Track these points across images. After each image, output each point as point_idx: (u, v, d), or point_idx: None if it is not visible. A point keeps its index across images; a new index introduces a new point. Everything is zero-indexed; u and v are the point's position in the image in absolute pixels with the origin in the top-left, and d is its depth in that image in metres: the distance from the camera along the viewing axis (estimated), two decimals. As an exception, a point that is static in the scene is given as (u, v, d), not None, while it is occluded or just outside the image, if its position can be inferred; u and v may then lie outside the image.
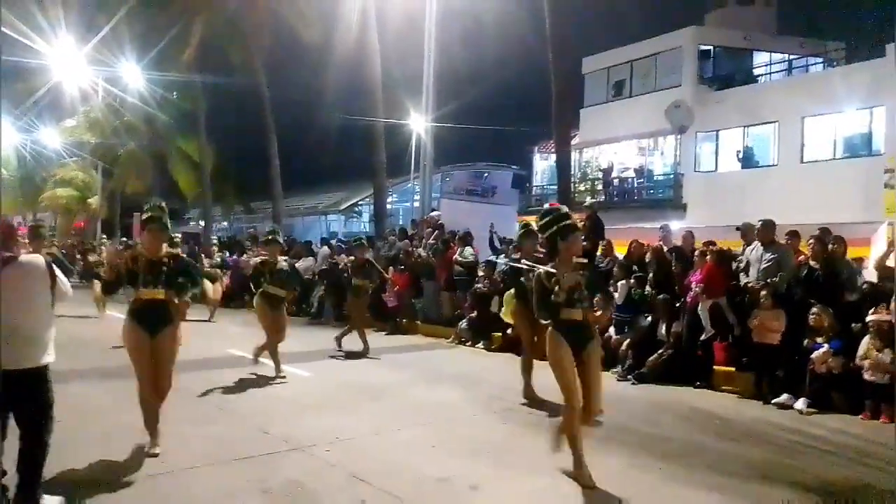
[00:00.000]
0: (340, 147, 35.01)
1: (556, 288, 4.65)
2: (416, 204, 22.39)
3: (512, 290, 7.46)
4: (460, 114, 23.39)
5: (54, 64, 22.75)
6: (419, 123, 20.09)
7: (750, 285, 8.11)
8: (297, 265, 15.75)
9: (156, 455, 4.92)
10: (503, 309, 7.82)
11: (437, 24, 17.13)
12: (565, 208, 5.14)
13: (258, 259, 8.92)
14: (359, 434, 5.77)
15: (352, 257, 11.09)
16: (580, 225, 8.15)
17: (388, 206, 23.70)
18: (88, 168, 33.04)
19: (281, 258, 8.57)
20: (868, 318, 6.89)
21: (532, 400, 7.07)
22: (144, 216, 5.34)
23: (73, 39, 22.05)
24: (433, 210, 16.91)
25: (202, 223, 26.07)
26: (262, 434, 5.69)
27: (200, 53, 22.97)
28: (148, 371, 5.07)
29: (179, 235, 19.68)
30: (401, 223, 24.90)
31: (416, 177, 23.77)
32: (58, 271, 4.08)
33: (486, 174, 35.61)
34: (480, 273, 11.94)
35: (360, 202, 33.79)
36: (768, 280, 7.85)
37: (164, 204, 5.50)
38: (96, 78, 25.59)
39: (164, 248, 5.32)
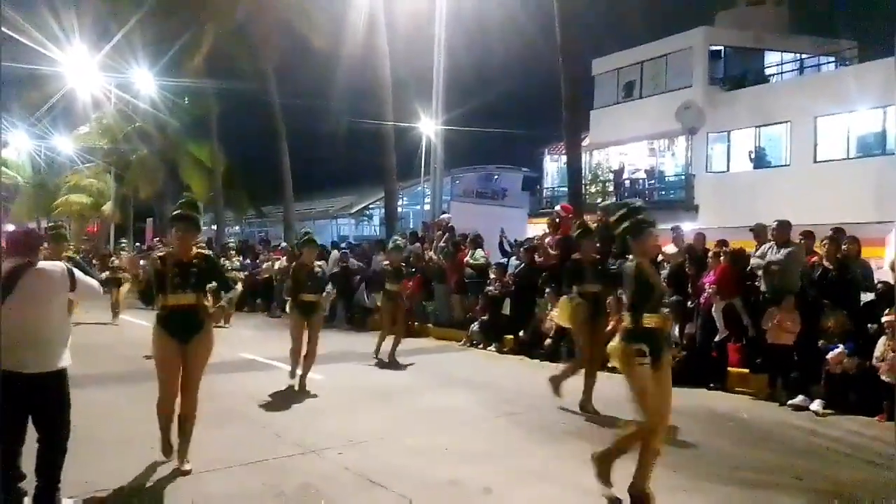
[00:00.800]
0: (351, 151, 35.15)
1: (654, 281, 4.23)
2: (427, 207, 22.41)
3: (574, 292, 7.06)
4: (470, 116, 23.45)
5: (68, 71, 22.98)
6: (429, 126, 20.11)
7: (761, 287, 8.07)
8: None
9: (188, 472, 4.67)
10: (558, 312, 7.44)
11: (446, 26, 17.15)
12: (640, 202, 4.75)
13: (285, 263, 8.69)
14: (371, 437, 5.78)
15: (387, 261, 10.43)
16: (593, 227, 8.18)
17: (399, 210, 23.76)
18: (101, 174, 33.34)
19: (316, 262, 8.14)
20: (884, 319, 6.83)
21: (589, 410, 6.76)
22: (173, 213, 5.01)
23: (86, 47, 22.26)
24: (443, 213, 16.92)
25: (214, 227, 26.21)
26: (276, 437, 5.71)
27: (211, 59, 23.12)
28: (173, 385, 4.75)
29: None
30: (411, 226, 24.95)
31: (426, 180, 23.79)
32: (78, 273, 4.12)
33: (496, 176, 35.70)
34: (492, 275, 11.94)
35: (370, 205, 33.89)
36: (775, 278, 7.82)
37: (196, 201, 5.20)
38: (108, 84, 25.82)
39: (194, 249, 4.99)
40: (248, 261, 17.87)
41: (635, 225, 4.37)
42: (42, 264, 3.98)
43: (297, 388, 7.58)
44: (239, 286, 14.25)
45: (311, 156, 35.01)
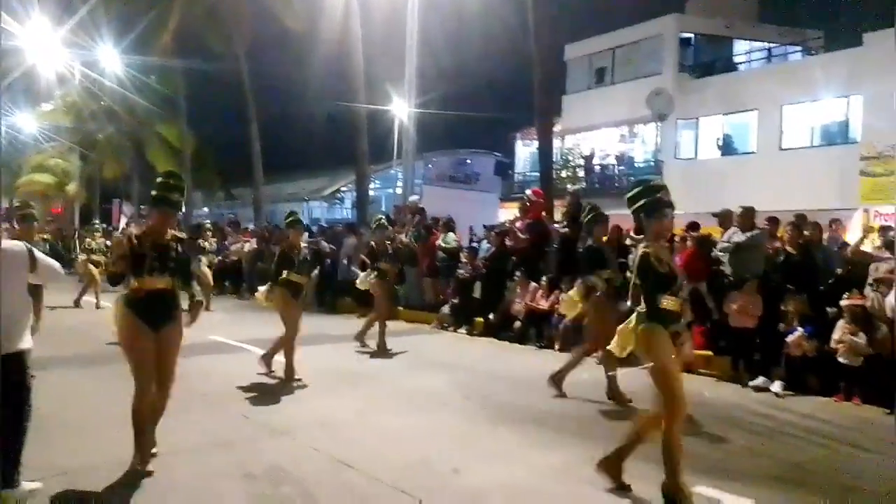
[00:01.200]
0: (323, 133, 34.88)
1: (667, 272, 4.02)
2: (400, 190, 22.35)
3: (588, 281, 6.76)
4: (443, 100, 23.34)
5: (28, 46, 22.30)
6: (402, 110, 20.01)
7: (726, 272, 8.24)
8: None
9: (149, 473, 4.31)
10: (567, 300, 7.11)
11: (419, 10, 17.04)
12: (659, 180, 4.42)
13: (254, 246, 8.45)
14: (342, 419, 5.80)
15: (372, 241, 9.98)
16: (563, 211, 8.23)
17: (371, 193, 23.69)
18: (66, 153, 32.57)
19: (302, 243, 7.84)
20: (842, 303, 7.04)
21: (619, 398, 6.57)
22: (153, 192, 4.62)
23: (48, 21, 21.61)
24: (414, 195, 16.91)
25: (183, 209, 25.87)
26: (245, 420, 5.70)
27: (181, 38, 22.68)
28: (150, 377, 4.39)
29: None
30: (384, 209, 24.87)
31: (399, 163, 23.72)
32: (39, 254, 4.07)
33: (468, 161, 35.72)
34: (463, 259, 11.99)
35: (342, 188, 33.68)
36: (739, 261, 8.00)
37: (180, 177, 4.80)
38: (73, 61, 25.15)
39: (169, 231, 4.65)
40: (216, 243, 17.66)
41: (651, 204, 4.11)
42: (5, 244, 3.91)
43: (283, 375, 7.18)
44: (208, 272, 14.15)
45: (283, 138, 34.69)
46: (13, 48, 21.87)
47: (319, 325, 11.33)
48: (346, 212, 33.76)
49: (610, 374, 6.60)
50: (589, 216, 7.10)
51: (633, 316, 4.16)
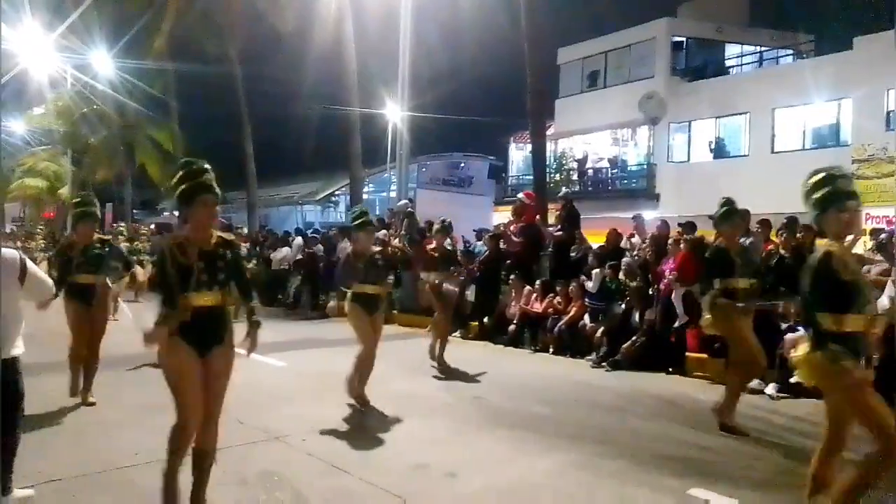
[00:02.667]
0: (316, 137, 34.77)
1: (850, 278, 3.29)
2: (393, 194, 22.35)
3: (720, 292, 5.69)
4: (437, 104, 23.41)
5: (19, 50, 22.18)
6: (395, 113, 20.02)
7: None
8: (274, 256, 15.71)
9: None
10: (706, 317, 5.89)
11: (412, 14, 17.06)
12: (839, 168, 3.65)
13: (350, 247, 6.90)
14: (336, 423, 5.77)
15: (432, 245, 9.02)
16: (556, 215, 8.19)
17: (365, 196, 23.64)
18: (58, 157, 32.39)
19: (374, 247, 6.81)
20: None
21: (732, 429, 5.62)
22: (185, 185, 3.68)
23: (40, 24, 21.51)
24: (408, 199, 16.90)
25: (176, 213, 25.76)
26: (238, 424, 5.66)
27: (173, 41, 22.64)
28: (197, 409, 3.66)
29: (153, 226, 19.45)
30: (377, 213, 24.85)
31: (392, 167, 23.71)
32: (31, 265, 4.00)
33: (462, 164, 35.72)
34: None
35: (336, 192, 33.62)
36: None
37: (208, 168, 3.77)
38: (65, 65, 25.04)
39: (214, 233, 3.78)
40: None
41: (830, 195, 3.45)
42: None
43: (362, 407, 6.30)
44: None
45: (276, 141, 34.58)
46: (4, 52, 21.78)
47: (314, 329, 11.32)
48: (340, 215, 33.70)
49: (727, 401, 5.66)
50: (723, 209, 5.94)
51: (806, 338, 3.55)
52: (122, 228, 15.00)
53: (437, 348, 8.46)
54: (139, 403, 5.90)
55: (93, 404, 6.15)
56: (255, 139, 23.66)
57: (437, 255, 8.66)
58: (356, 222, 6.62)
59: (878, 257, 7.46)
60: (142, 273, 13.96)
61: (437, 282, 8.53)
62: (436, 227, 9.24)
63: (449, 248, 12.30)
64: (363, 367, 6.38)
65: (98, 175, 28.93)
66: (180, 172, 3.75)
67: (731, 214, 5.92)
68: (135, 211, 32.14)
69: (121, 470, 4.49)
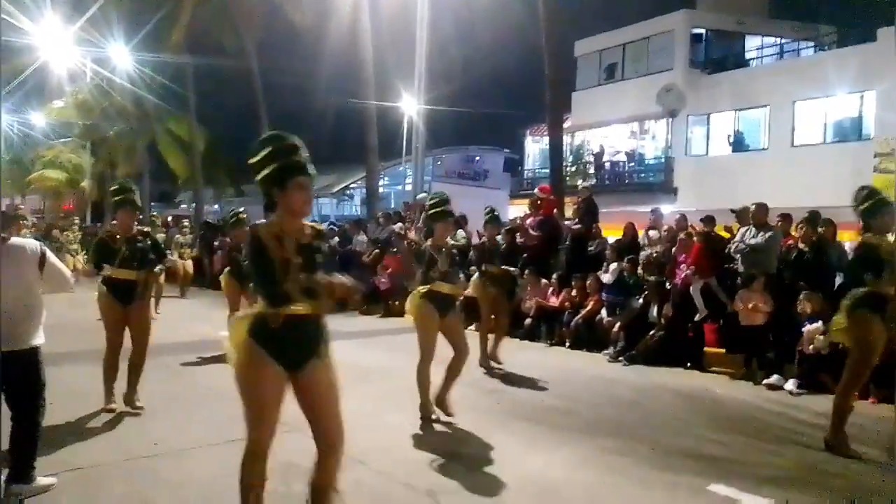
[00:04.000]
0: (332, 130, 34.83)
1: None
2: (409, 187, 22.36)
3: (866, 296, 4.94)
4: (452, 96, 23.34)
5: (41, 43, 22.42)
6: (411, 106, 20.00)
7: (738, 268, 8.19)
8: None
9: None
10: (836, 323, 5.22)
11: (429, 6, 17.00)
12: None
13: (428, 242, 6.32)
14: (353, 415, 5.72)
15: (485, 236, 8.55)
16: (574, 208, 8.14)
17: (381, 189, 23.72)
18: (77, 149, 32.75)
19: (450, 240, 6.19)
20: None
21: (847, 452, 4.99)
22: (274, 165, 3.07)
23: (60, 18, 21.71)
24: (424, 192, 16.89)
25: (194, 205, 25.97)
26: (257, 416, 5.70)
27: (191, 35, 22.75)
28: (266, 432, 3.29)
29: (170, 219, 19.58)
30: (393, 206, 24.88)
31: (408, 160, 23.71)
32: (51, 256, 4.03)
33: (477, 157, 35.62)
34: (472, 256, 11.94)
35: (351, 185, 33.71)
36: (753, 260, 7.93)
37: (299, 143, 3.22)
38: (84, 58, 25.27)
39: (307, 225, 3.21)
40: (228, 239, 17.69)
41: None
42: (14, 240, 3.92)
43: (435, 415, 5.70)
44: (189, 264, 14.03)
45: (293, 134, 34.63)
46: (25, 45, 22.02)
47: (331, 322, 11.34)
48: (355, 208, 33.80)
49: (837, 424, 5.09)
50: (871, 202, 5.10)
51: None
52: (154, 218, 15.09)
53: (493, 346, 8.12)
54: (159, 394, 5.96)
55: (140, 409, 5.54)
56: (272, 131, 23.78)
57: (489, 247, 8.36)
58: (432, 211, 5.88)
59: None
60: (182, 266, 14.13)
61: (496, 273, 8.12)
62: (485, 217, 8.77)
63: (458, 241, 12.29)
64: (419, 375, 5.73)
65: (118, 168, 29.22)
66: (267, 149, 3.10)
67: (880, 207, 5.05)
68: (152, 203, 32.41)
69: (141, 460, 4.54)
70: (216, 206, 37.33)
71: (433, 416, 5.63)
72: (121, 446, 4.75)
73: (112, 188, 5.96)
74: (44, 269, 3.93)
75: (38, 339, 3.90)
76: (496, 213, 8.74)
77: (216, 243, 15.24)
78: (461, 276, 6.42)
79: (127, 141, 28.45)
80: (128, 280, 5.50)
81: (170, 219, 20.39)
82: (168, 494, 4.05)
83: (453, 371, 5.72)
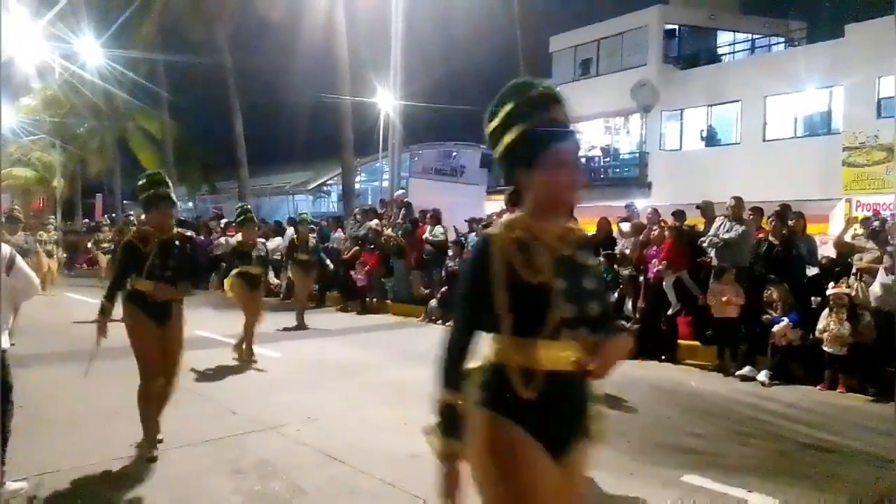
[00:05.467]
0: (308, 126, 34.59)
1: None
2: (385, 183, 22.29)
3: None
4: (429, 92, 23.26)
5: (6, 38, 21.90)
6: (387, 102, 19.92)
7: (711, 262, 8.29)
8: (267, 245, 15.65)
9: None
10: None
11: (404, 1, 16.94)
12: None
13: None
14: (330, 413, 5.78)
15: None
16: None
17: (357, 186, 23.60)
18: (47, 147, 32.13)
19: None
20: (829, 292, 7.11)
21: None
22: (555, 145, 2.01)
23: (27, 13, 21.25)
24: (401, 189, 16.87)
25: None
26: (232, 414, 5.67)
27: (162, 30, 22.43)
28: None
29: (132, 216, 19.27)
30: (370, 202, 24.78)
31: (384, 156, 23.62)
32: (19, 261, 3.94)
33: (454, 153, 35.56)
34: (450, 252, 11.98)
35: (328, 181, 33.46)
36: (726, 253, 8.04)
37: None
38: (52, 54, 24.76)
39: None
40: (201, 237, 17.51)
41: None
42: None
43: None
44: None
45: (268, 130, 34.40)
46: (-8, 40, 21.48)
47: (307, 319, 11.28)
48: (332, 205, 33.57)
49: None
50: None
51: None
52: (131, 216, 14.90)
53: None
54: (134, 395, 5.87)
55: (159, 442, 4.70)
56: (246, 128, 23.54)
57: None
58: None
59: (871, 245, 7.50)
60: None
61: None
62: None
63: (435, 237, 12.30)
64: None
65: (89, 165, 28.76)
66: (509, 104, 2.07)
67: None
68: (125, 202, 31.91)
69: (117, 460, 4.48)
70: (190, 204, 36.89)
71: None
72: (97, 447, 4.69)
73: (140, 182, 4.85)
74: (11, 273, 3.85)
75: (4, 343, 3.84)
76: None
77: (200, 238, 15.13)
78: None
79: (98, 137, 27.98)
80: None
81: (143, 217, 20.06)
82: (143, 495, 4.00)
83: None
